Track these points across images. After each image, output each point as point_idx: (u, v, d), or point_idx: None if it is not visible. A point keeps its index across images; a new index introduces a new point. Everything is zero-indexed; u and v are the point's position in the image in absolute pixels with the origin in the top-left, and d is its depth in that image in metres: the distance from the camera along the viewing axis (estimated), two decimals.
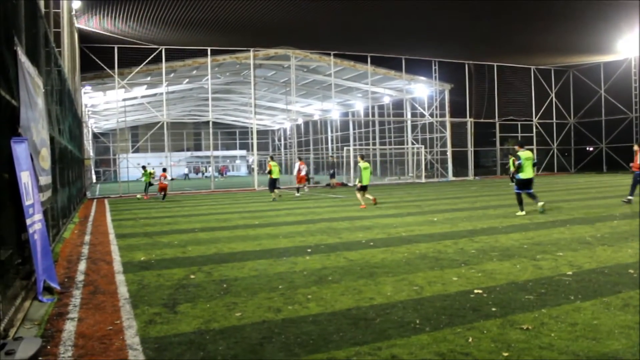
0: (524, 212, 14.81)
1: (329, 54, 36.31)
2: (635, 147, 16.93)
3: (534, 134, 44.64)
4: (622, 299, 6.02)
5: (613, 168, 41.73)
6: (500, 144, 43.60)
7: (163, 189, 25.84)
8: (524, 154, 15.09)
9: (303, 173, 28.36)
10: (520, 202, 15.07)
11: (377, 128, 48.68)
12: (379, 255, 9.22)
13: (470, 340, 4.91)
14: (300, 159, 29.97)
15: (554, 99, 44.89)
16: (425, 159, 40.28)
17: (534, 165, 15.47)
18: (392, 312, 5.83)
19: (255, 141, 36.04)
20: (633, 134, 40.01)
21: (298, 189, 27.74)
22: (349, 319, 5.61)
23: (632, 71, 40.15)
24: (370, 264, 8.45)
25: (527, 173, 15.09)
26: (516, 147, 16.09)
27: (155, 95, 44.07)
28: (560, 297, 6.21)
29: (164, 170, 26.41)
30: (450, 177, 40.10)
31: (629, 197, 16.90)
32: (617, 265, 7.81)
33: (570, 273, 7.43)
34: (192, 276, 7.95)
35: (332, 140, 55.83)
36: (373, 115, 48.61)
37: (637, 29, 32.69)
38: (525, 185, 15.11)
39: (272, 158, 25.69)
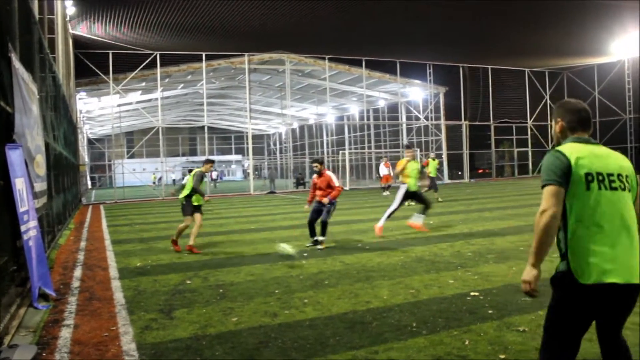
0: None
1: (323, 58, 36.34)
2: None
3: (529, 136, 44.72)
4: None
5: None
6: (495, 146, 43.68)
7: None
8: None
9: (386, 172, 28.88)
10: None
11: (372, 132, 48.74)
12: (375, 259, 9.22)
13: (467, 342, 4.92)
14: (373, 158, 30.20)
15: (548, 101, 45.00)
16: (420, 162, 40.31)
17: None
18: (389, 315, 5.83)
19: (250, 146, 36.05)
20: (627, 135, 40.20)
21: (384, 188, 28.73)
22: (345, 323, 5.61)
23: (625, 73, 40.29)
24: (366, 268, 8.45)
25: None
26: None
27: (150, 100, 44.04)
28: None
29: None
30: (446, 179, 40.13)
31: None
32: None
33: None
34: (188, 281, 7.93)
35: (327, 144, 55.86)
36: (368, 119, 48.66)
37: (630, 31, 32.99)
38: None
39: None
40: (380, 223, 12.39)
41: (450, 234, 12.08)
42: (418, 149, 40.15)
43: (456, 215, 15.87)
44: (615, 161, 3.01)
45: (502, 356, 4.57)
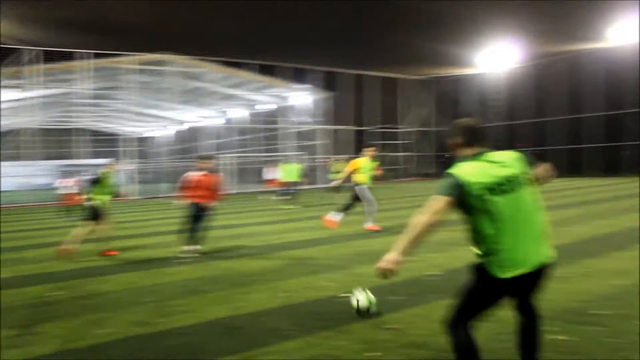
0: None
1: (211, 61, 35.79)
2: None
3: (413, 141, 46.64)
4: None
5: None
6: (380, 151, 45.00)
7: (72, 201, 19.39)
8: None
9: (272, 177, 25.55)
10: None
11: (259, 135, 48.63)
12: (253, 263, 9.18)
13: (341, 342, 5.02)
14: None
15: (428, 108, 47.29)
16: (306, 166, 40.72)
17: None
18: (265, 319, 5.84)
19: (129, 149, 34.81)
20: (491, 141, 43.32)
21: (280, 192, 24.84)
22: (221, 329, 5.55)
23: (497, 84, 43.38)
24: (244, 272, 8.39)
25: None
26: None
27: (25, 99, 41.17)
28: (427, 297, 6.50)
29: (74, 175, 21.62)
30: (332, 183, 40.73)
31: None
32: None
33: (438, 273, 7.78)
34: (56, 292, 7.47)
35: (212, 147, 55.03)
36: (255, 123, 48.52)
37: (491, 45, 35.87)
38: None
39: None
40: (368, 224, 12.91)
41: (328, 237, 12.18)
42: (304, 153, 40.61)
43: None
44: (502, 166, 3.44)
45: (373, 354, 4.71)
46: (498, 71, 42.89)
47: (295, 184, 21.86)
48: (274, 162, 28.83)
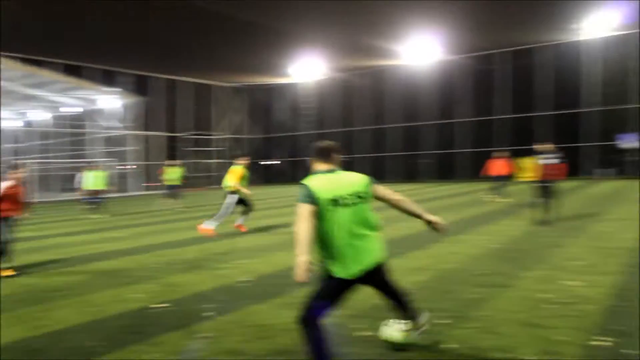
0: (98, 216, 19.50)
1: (6, 57, 32.60)
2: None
3: (226, 148, 46.69)
4: (295, 297, 6.54)
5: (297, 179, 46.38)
6: (194, 158, 44.46)
7: None
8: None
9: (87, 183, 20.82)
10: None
11: (64, 140, 45.38)
12: (57, 278, 8.57)
13: (153, 355, 4.93)
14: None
15: (242, 116, 47.72)
16: (114, 173, 38.85)
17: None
18: (70, 337, 5.51)
19: None
20: (301, 149, 45.12)
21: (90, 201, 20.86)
22: (17, 353, 5.13)
23: (308, 93, 45.18)
24: (46, 288, 7.81)
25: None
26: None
27: None
28: (240, 303, 6.58)
29: None
30: (143, 191, 39.42)
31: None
32: (291, 268, 8.56)
33: (250, 279, 7.90)
34: None
35: (10, 152, 50.17)
36: (59, 126, 45.23)
37: (302, 56, 37.47)
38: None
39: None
40: (211, 226, 12.99)
41: (139, 246, 11.81)
42: (115, 159, 38.75)
43: (146, 227, 15.63)
44: (347, 184, 4.14)
45: None
46: (309, 81, 44.75)
47: (102, 192, 20.55)
48: (80, 169, 26.86)
